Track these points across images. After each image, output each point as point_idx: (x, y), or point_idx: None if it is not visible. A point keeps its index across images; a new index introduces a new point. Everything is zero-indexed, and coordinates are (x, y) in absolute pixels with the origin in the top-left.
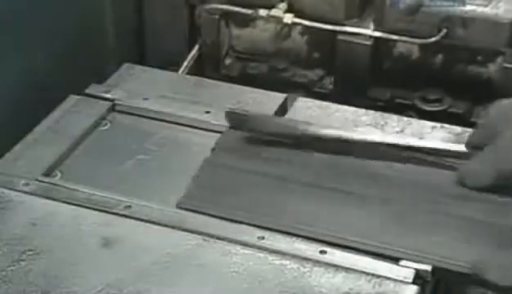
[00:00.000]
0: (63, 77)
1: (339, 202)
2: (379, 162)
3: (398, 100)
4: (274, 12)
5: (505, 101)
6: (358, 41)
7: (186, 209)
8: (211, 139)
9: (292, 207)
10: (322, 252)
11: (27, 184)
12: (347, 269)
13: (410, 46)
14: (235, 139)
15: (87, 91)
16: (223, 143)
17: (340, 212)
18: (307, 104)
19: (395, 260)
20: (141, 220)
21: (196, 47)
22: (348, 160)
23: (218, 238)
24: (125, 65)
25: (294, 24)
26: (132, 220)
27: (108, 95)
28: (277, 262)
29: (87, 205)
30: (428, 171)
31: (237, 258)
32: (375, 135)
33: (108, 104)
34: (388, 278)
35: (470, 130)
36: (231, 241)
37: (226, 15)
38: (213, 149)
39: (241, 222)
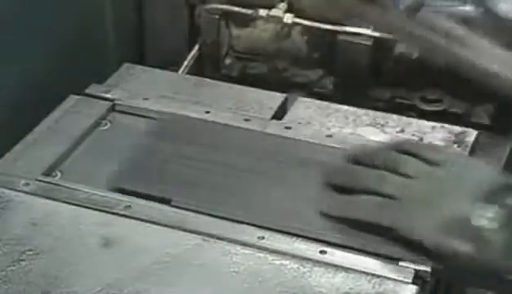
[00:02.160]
0: (63, 77)
1: (272, 187)
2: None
3: (398, 100)
4: (274, 12)
5: None
6: (358, 41)
7: (115, 189)
8: None
9: (225, 191)
10: (322, 252)
11: (27, 184)
12: (347, 269)
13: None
14: (173, 124)
15: (87, 91)
16: (159, 127)
17: (273, 197)
18: (307, 104)
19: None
20: (141, 220)
21: (196, 47)
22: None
23: (218, 238)
24: (125, 65)
25: (294, 24)
26: (132, 220)
27: (108, 95)
28: (277, 262)
29: (87, 205)
30: None
31: (237, 258)
32: None
33: (108, 104)
34: (388, 278)
35: (470, 130)
36: (231, 241)
37: (226, 15)
38: (147, 133)
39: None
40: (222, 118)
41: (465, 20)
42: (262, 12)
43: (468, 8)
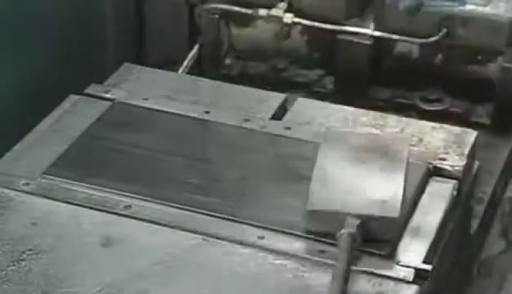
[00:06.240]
0: (63, 77)
1: (211, 171)
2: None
3: (398, 100)
4: (274, 12)
5: None
6: (358, 40)
7: (52, 175)
8: None
9: (161, 175)
10: (322, 252)
11: (27, 184)
12: None
13: (410, 46)
14: (119, 112)
15: (87, 90)
16: (105, 116)
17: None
18: (307, 104)
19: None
20: (141, 220)
21: (196, 47)
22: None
23: (218, 238)
24: (125, 65)
25: (294, 23)
26: (132, 220)
27: (108, 95)
28: (277, 262)
29: (87, 205)
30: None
31: (237, 258)
32: None
33: (108, 104)
34: (388, 278)
35: (470, 130)
36: (231, 241)
37: (226, 14)
38: (94, 122)
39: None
40: (221, 118)
41: (465, 20)
42: (262, 12)
43: (468, 8)
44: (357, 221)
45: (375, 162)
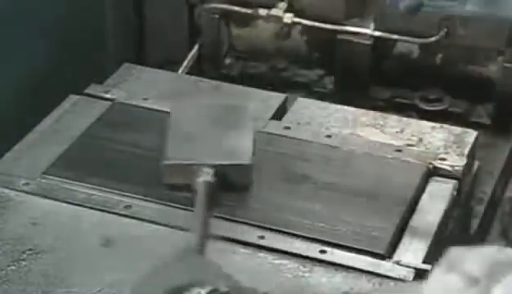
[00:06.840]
0: (63, 77)
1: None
2: None
3: (398, 100)
4: (274, 12)
5: None
6: (358, 40)
7: (52, 175)
8: None
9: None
10: (322, 252)
11: (27, 184)
12: (347, 269)
13: (410, 46)
14: (119, 112)
15: (87, 91)
16: (105, 116)
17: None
18: (307, 104)
19: None
20: (141, 220)
21: (196, 47)
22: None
23: (218, 238)
24: (125, 65)
25: (294, 23)
26: (133, 220)
27: (108, 95)
28: (277, 262)
29: (87, 205)
30: None
31: (237, 258)
32: None
33: (108, 104)
34: (388, 278)
35: (470, 130)
36: (231, 241)
37: (226, 14)
38: (94, 122)
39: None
40: None
41: (465, 20)
42: (262, 12)
43: (468, 8)
44: (212, 170)
45: (224, 121)
